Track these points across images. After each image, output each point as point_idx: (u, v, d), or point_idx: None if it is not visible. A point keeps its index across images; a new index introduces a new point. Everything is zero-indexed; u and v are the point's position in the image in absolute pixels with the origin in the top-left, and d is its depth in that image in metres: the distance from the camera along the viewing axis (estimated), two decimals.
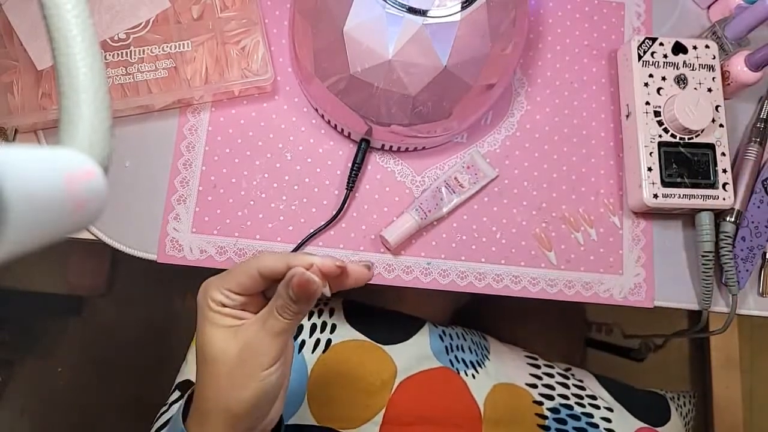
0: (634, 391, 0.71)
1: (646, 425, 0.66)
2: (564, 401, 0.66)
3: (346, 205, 0.58)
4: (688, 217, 0.61)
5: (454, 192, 0.59)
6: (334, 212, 0.58)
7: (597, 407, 0.66)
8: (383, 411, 0.61)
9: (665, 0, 0.66)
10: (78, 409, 1.25)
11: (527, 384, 0.67)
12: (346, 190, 0.58)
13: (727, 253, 0.58)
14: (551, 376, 0.69)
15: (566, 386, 0.68)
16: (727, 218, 0.59)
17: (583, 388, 0.68)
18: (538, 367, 0.70)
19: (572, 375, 0.70)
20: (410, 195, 0.60)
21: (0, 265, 0.21)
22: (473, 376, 0.66)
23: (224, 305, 0.39)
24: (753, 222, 0.60)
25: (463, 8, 0.47)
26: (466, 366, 0.66)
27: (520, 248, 0.60)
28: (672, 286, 0.61)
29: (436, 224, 0.59)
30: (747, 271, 0.60)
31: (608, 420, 0.65)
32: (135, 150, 0.58)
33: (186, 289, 1.30)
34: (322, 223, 0.58)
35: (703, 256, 0.58)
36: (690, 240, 0.62)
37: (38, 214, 0.21)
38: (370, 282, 0.54)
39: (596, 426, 0.64)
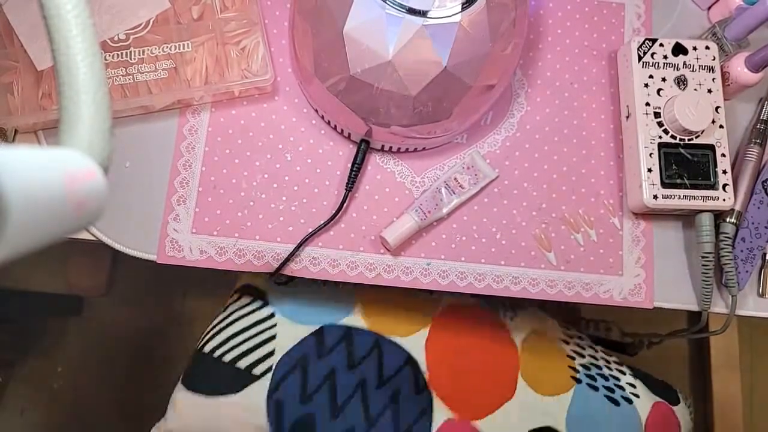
0: (646, 373, 0.75)
1: (663, 401, 0.69)
2: (594, 361, 0.70)
3: (345, 206, 0.58)
4: (688, 218, 0.61)
5: (453, 193, 0.59)
6: (334, 213, 0.58)
7: (623, 373, 0.70)
8: (429, 327, 0.65)
9: (665, 1, 0.66)
10: (78, 409, 1.25)
11: (561, 339, 0.71)
12: (345, 191, 0.58)
13: (727, 254, 0.58)
14: (582, 338, 0.73)
15: (595, 350, 0.72)
16: (727, 219, 0.59)
17: (609, 355, 0.72)
18: (569, 329, 0.74)
19: (599, 347, 0.74)
20: (410, 196, 0.60)
21: (0, 265, 0.21)
22: (511, 319, 0.70)
23: None
24: (753, 223, 0.60)
25: (463, 9, 0.47)
26: (506, 309, 0.70)
27: (519, 249, 0.60)
28: (672, 287, 0.61)
29: (435, 225, 0.59)
30: (747, 272, 0.60)
31: (633, 386, 0.68)
32: (135, 150, 0.58)
33: (186, 289, 1.30)
34: (322, 223, 0.58)
35: (703, 257, 0.58)
36: (690, 241, 0.62)
37: (38, 214, 0.21)
38: (373, 283, 0.55)
39: (623, 388, 0.67)
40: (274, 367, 0.62)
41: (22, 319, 1.30)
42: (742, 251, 0.60)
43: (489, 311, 0.70)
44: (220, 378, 0.62)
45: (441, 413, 0.61)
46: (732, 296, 0.59)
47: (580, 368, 0.68)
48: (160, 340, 1.28)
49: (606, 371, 0.69)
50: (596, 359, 0.70)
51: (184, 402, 0.62)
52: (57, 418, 1.25)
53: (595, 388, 0.66)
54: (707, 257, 0.58)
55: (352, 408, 0.60)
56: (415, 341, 0.64)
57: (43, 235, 0.22)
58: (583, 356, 0.70)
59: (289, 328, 0.64)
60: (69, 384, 1.26)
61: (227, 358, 0.63)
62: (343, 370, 0.62)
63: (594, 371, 0.68)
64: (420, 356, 0.63)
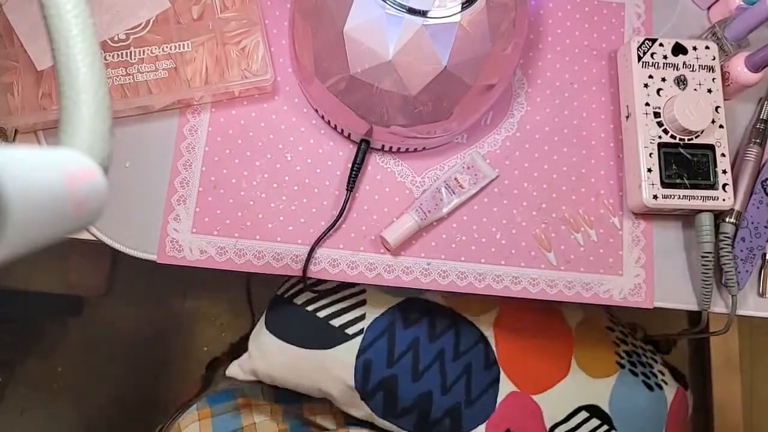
0: (669, 363, 0.81)
1: (680, 386, 0.75)
2: (634, 349, 0.77)
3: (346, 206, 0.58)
4: (688, 217, 0.61)
5: (454, 193, 0.59)
6: (334, 212, 0.58)
7: (656, 361, 0.76)
8: (498, 309, 0.72)
9: (665, 1, 0.66)
10: (78, 409, 1.25)
11: (607, 327, 0.77)
12: (346, 191, 0.58)
13: (726, 253, 0.58)
14: (624, 327, 0.79)
15: (635, 338, 0.79)
16: (727, 219, 0.59)
17: (645, 344, 0.78)
18: (613, 317, 0.80)
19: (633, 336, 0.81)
20: (410, 196, 0.60)
21: (0, 265, 0.21)
22: (565, 304, 0.75)
23: None
24: (753, 223, 0.60)
25: (463, 9, 0.47)
26: None
27: (519, 249, 0.60)
28: (672, 287, 0.61)
29: (436, 225, 0.59)
30: (747, 271, 0.60)
31: (662, 373, 0.74)
32: (135, 150, 0.58)
33: (186, 289, 1.30)
34: (323, 223, 0.58)
35: (703, 256, 0.58)
36: (690, 241, 0.62)
37: (39, 214, 0.21)
38: (372, 282, 0.55)
39: (655, 375, 0.73)
40: (365, 330, 0.67)
41: (22, 319, 1.30)
42: (741, 251, 0.60)
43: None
44: (314, 332, 0.67)
45: (506, 386, 0.68)
46: (732, 296, 0.59)
47: (624, 354, 0.74)
48: (160, 340, 1.28)
49: (643, 359, 0.75)
50: (635, 347, 0.77)
51: (271, 347, 0.67)
52: (57, 418, 1.25)
53: (636, 374, 0.72)
54: (707, 257, 0.58)
55: (430, 374, 0.67)
56: (486, 321, 0.71)
57: (43, 235, 0.22)
58: (626, 344, 0.76)
59: (378, 296, 0.70)
60: (69, 384, 1.26)
61: (322, 314, 0.67)
62: (425, 340, 0.68)
63: (635, 358, 0.75)
64: (490, 335, 0.70)
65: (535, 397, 0.69)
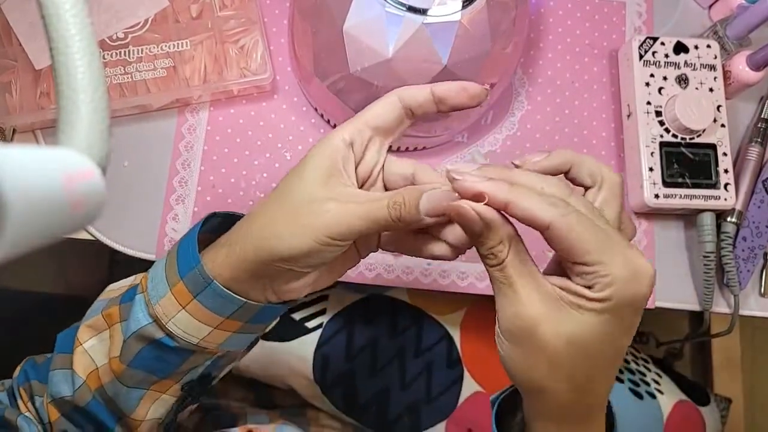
0: (678, 373, 0.76)
1: (688, 399, 0.69)
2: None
3: None
4: (690, 217, 0.61)
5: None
6: None
7: (648, 370, 0.72)
8: (466, 308, 0.69)
9: None
10: None
11: None
12: None
13: (728, 253, 0.58)
14: None
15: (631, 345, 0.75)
16: (728, 218, 0.59)
17: (638, 351, 0.75)
18: None
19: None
20: None
21: None
22: None
23: (353, 145, 0.35)
24: (754, 222, 0.60)
25: (463, 7, 0.47)
26: None
27: None
28: (673, 287, 0.60)
29: None
30: (748, 271, 0.59)
31: (657, 382, 0.70)
32: (133, 150, 0.58)
33: None
34: None
35: (704, 256, 0.58)
36: (691, 240, 0.61)
37: (37, 213, 0.21)
38: (373, 283, 0.55)
39: (647, 384, 0.69)
40: (324, 324, 0.67)
41: (22, 319, 1.30)
42: (743, 251, 0.59)
43: None
44: (277, 324, 0.67)
45: (470, 386, 0.66)
46: (734, 296, 0.59)
47: None
48: None
49: (633, 365, 0.71)
50: (626, 353, 0.73)
51: None
52: None
53: (620, 380, 0.68)
54: (708, 257, 0.58)
55: (389, 371, 0.66)
56: (452, 319, 0.69)
57: (41, 235, 0.22)
58: None
59: (340, 292, 0.69)
60: None
61: None
62: (385, 337, 0.67)
63: (622, 364, 0.71)
64: (456, 334, 0.68)
65: None
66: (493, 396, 0.41)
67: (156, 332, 0.38)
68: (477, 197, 0.31)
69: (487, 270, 0.34)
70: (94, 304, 0.45)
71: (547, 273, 0.35)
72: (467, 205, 0.31)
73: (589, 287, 0.31)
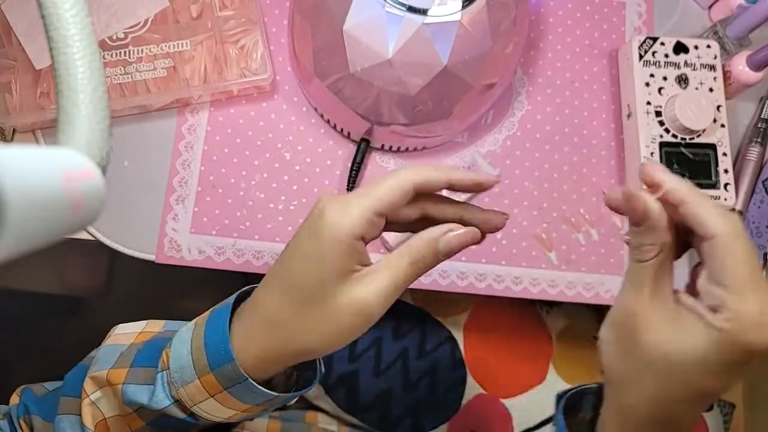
0: None
1: None
2: None
3: None
4: None
5: (454, 192, 0.59)
6: None
7: None
8: (469, 311, 0.70)
9: None
10: None
11: (594, 336, 0.74)
12: (346, 191, 0.58)
13: None
14: None
15: None
16: None
17: None
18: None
19: None
20: None
21: None
22: (547, 312, 0.73)
23: (364, 238, 0.34)
24: (754, 222, 0.60)
25: (463, 7, 0.47)
26: (542, 303, 0.74)
27: (521, 249, 0.59)
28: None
29: None
30: None
31: None
32: (133, 150, 0.58)
33: (184, 289, 1.29)
34: None
35: None
36: None
37: (37, 214, 0.21)
38: None
39: None
40: None
41: (22, 319, 1.30)
42: None
43: (527, 302, 0.73)
44: None
45: (473, 388, 0.67)
46: None
47: None
48: None
49: None
50: None
51: None
52: None
53: None
54: None
55: (392, 372, 0.67)
56: (455, 322, 0.69)
57: (41, 235, 0.22)
58: None
59: None
60: None
61: None
62: (389, 338, 0.67)
63: None
64: (459, 336, 0.68)
65: (506, 401, 0.67)
66: (560, 392, 0.43)
67: (177, 413, 0.38)
68: (655, 186, 0.32)
69: (629, 258, 0.34)
70: (101, 349, 0.45)
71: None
72: (644, 197, 0.32)
73: (714, 311, 0.31)
